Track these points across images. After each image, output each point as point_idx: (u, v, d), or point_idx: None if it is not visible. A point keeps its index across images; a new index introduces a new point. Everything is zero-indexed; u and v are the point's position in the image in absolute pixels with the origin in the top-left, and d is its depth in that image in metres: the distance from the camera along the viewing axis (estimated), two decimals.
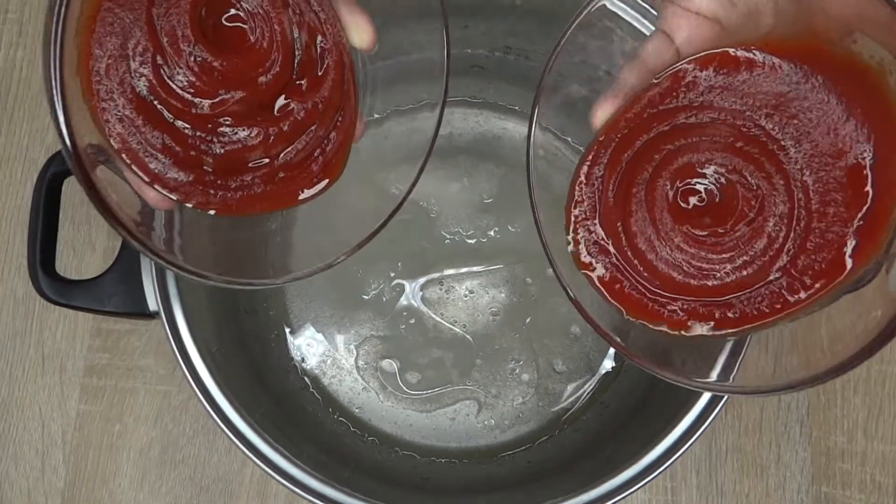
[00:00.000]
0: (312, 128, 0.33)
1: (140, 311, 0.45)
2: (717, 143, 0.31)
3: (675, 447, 0.44)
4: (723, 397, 0.43)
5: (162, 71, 0.30)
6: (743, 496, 0.55)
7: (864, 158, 0.29)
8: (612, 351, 0.56)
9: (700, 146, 0.31)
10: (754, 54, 0.30)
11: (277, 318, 0.57)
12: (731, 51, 0.31)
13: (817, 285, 0.30)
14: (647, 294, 0.32)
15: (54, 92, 0.27)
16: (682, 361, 0.34)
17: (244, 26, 0.31)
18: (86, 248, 0.58)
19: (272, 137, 0.31)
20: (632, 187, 0.32)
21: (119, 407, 0.55)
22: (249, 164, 0.32)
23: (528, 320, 0.56)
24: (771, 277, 0.30)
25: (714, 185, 0.31)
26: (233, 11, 0.31)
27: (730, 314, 0.31)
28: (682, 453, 0.43)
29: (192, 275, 0.31)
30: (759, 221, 0.30)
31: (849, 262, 0.29)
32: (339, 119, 0.34)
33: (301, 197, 0.34)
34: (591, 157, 0.33)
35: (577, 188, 0.33)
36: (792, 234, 0.30)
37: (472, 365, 0.56)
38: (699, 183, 0.31)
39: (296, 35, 0.32)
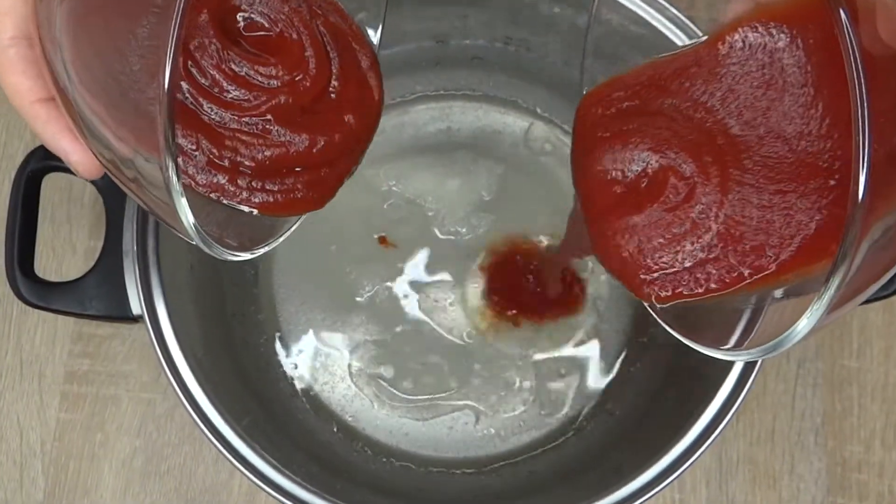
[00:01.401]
0: (364, 140, 0.33)
1: (123, 315, 0.44)
2: (667, 131, 0.31)
3: (684, 457, 0.42)
4: (734, 404, 0.42)
5: (197, 79, 0.29)
6: None
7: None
8: (617, 356, 0.55)
9: (648, 133, 0.31)
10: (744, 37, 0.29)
11: (267, 322, 0.55)
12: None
13: (745, 274, 0.30)
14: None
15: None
16: (703, 326, 0.33)
17: (270, 34, 0.31)
18: (66, 249, 0.56)
19: (320, 144, 0.31)
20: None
21: (101, 415, 0.54)
22: (293, 169, 0.31)
23: (529, 324, 0.55)
24: (699, 258, 0.30)
25: (648, 169, 0.31)
26: (257, 18, 0.31)
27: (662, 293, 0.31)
28: (691, 464, 0.42)
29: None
30: (683, 208, 0.30)
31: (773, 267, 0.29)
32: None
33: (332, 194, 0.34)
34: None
35: None
36: (721, 222, 0.30)
37: (471, 371, 0.54)
38: (635, 165, 0.32)
39: (325, 36, 0.32)
